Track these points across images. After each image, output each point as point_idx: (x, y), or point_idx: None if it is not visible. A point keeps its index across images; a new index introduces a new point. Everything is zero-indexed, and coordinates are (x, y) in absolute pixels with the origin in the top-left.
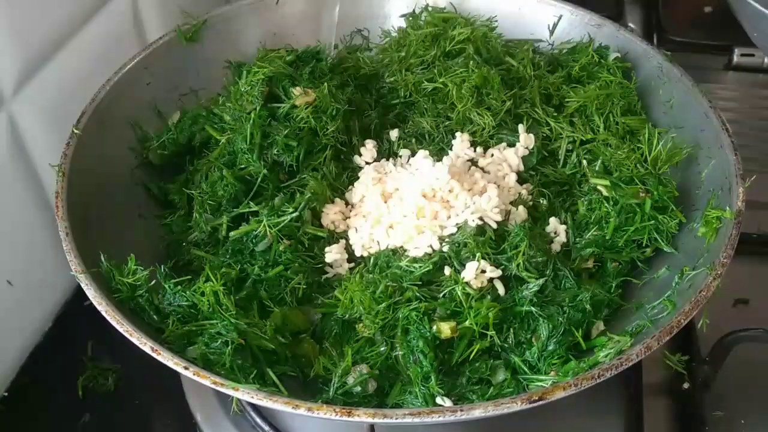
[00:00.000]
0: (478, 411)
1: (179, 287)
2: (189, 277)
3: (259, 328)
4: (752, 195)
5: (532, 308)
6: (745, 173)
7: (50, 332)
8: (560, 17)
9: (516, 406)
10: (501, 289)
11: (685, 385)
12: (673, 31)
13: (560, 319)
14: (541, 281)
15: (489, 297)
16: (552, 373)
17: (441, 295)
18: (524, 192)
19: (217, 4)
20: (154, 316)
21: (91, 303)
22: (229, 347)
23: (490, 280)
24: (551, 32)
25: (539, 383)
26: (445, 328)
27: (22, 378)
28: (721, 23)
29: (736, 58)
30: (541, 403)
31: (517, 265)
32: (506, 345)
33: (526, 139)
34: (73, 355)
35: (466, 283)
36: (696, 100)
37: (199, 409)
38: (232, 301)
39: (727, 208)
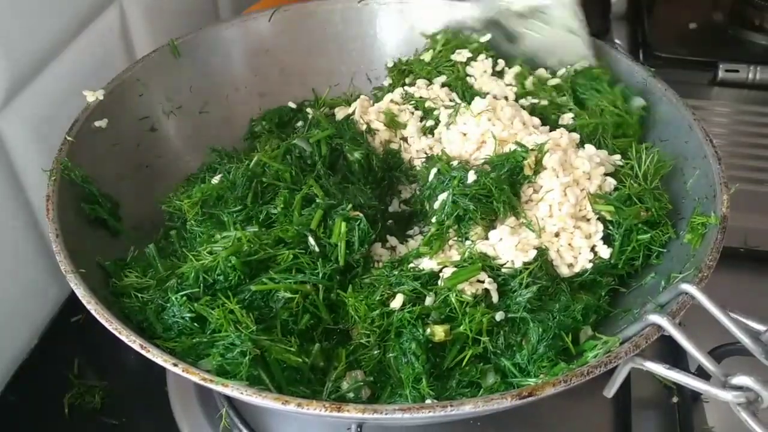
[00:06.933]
0: (468, 407)
1: (185, 299)
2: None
3: (284, 344)
4: (738, 208)
5: (526, 314)
6: (730, 183)
7: (36, 349)
8: None
9: (506, 402)
10: (495, 297)
11: (675, 399)
12: (659, 47)
13: (550, 323)
14: (535, 288)
15: (484, 304)
16: (542, 375)
17: (435, 301)
18: None
19: (208, 20)
20: (159, 327)
21: (78, 320)
22: (247, 357)
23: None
24: None
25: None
26: (439, 331)
27: (8, 396)
28: (706, 40)
29: (720, 74)
30: (531, 399)
31: (520, 283)
32: (497, 350)
33: None
34: (59, 373)
35: (460, 290)
36: (680, 113)
37: (186, 426)
38: (251, 318)
39: (712, 213)
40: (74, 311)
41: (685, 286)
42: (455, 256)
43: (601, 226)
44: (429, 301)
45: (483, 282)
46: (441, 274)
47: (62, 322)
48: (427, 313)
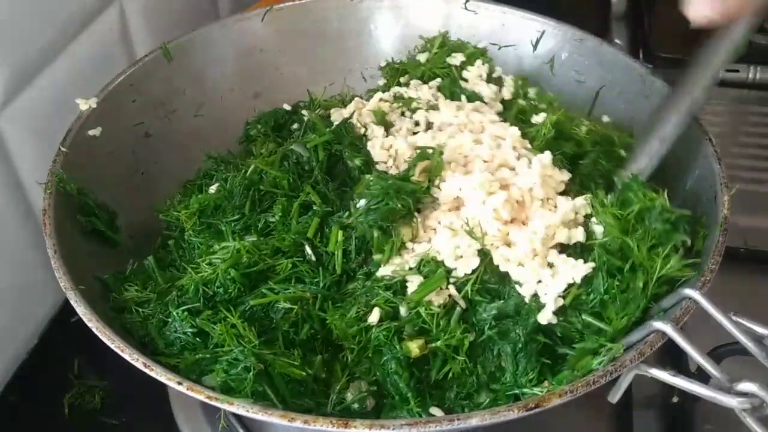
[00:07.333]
0: (475, 420)
1: (186, 314)
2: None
3: (287, 356)
4: (738, 209)
5: (491, 332)
6: (730, 183)
7: (36, 349)
8: (543, 32)
9: (513, 414)
10: (462, 303)
11: (675, 399)
12: (659, 47)
13: (517, 331)
14: (499, 303)
15: (456, 314)
16: (545, 383)
17: (408, 312)
18: None
19: (208, 20)
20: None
21: (78, 320)
22: (251, 373)
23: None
24: (534, 47)
25: (533, 393)
26: (414, 348)
27: (8, 396)
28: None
29: (720, 74)
30: (537, 410)
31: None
32: (481, 376)
33: None
34: (59, 373)
35: (428, 301)
36: None
37: (186, 426)
38: (254, 332)
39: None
40: (74, 311)
41: (689, 291)
42: (411, 261)
43: (561, 285)
44: (404, 311)
45: (447, 289)
46: (406, 286)
47: (62, 322)
48: (401, 327)
